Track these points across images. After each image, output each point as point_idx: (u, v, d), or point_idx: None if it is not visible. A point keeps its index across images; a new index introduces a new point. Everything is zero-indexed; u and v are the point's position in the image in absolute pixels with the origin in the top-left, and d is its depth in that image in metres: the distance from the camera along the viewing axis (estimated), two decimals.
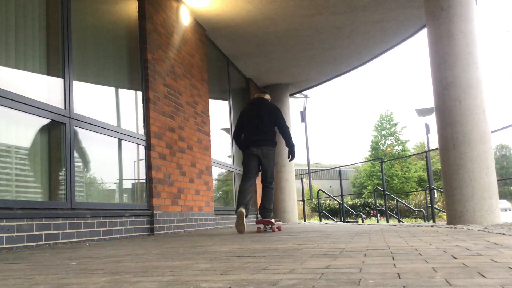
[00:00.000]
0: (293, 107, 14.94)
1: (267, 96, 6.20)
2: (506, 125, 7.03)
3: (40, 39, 4.39)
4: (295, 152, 6.09)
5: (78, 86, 4.72)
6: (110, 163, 5.41)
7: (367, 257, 2.16)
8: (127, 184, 5.86)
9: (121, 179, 5.66)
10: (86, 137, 4.79)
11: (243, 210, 5.38)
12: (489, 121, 5.86)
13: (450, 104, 5.85)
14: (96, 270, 2.07)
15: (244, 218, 5.37)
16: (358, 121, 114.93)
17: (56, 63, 4.50)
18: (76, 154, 4.52)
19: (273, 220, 5.81)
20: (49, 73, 4.51)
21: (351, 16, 8.18)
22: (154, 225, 5.69)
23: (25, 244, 3.63)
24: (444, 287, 1.29)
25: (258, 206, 6.09)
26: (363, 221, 15.26)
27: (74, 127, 4.51)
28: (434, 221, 10.27)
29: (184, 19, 7.30)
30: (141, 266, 2.15)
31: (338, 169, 13.62)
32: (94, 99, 5.21)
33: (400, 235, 3.82)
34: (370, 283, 1.39)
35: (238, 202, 5.58)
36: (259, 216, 5.88)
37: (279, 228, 5.99)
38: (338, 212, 19.83)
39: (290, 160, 6.16)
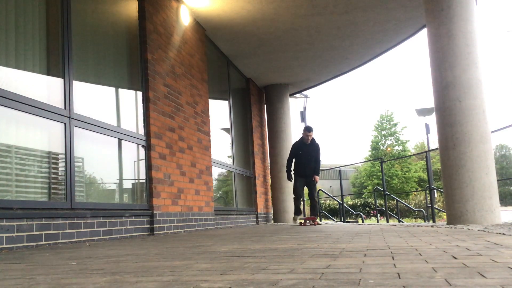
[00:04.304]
0: (293, 107, 14.91)
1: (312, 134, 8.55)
2: (506, 125, 7.03)
3: (40, 39, 4.39)
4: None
5: (78, 86, 4.72)
6: (110, 163, 5.41)
7: (367, 257, 2.16)
8: (127, 184, 5.86)
9: (121, 179, 5.66)
10: (86, 137, 4.79)
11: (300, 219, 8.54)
12: (489, 121, 5.85)
13: (450, 104, 5.85)
14: (96, 270, 2.07)
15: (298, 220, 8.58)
16: (358, 121, 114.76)
17: (56, 63, 4.50)
18: (76, 154, 4.52)
19: (314, 217, 8.45)
20: (49, 73, 4.51)
21: (351, 16, 8.18)
22: (154, 225, 5.69)
23: (25, 244, 3.63)
24: (444, 287, 1.29)
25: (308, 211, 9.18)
26: (363, 221, 15.25)
27: (74, 127, 4.51)
28: (434, 221, 10.27)
29: (184, 19, 7.30)
30: (141, 266, 2.15)
31: (338, 169, 13.61)
32: (94, 99, 5.21)
33: (400, 235, 3.82)
34: (370, 283, 1.39)
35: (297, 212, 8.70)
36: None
37: (318, 223, 8.50)
38: (338, 212, 19.83)
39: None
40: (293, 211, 8.82)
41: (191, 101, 7.34)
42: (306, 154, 8.51)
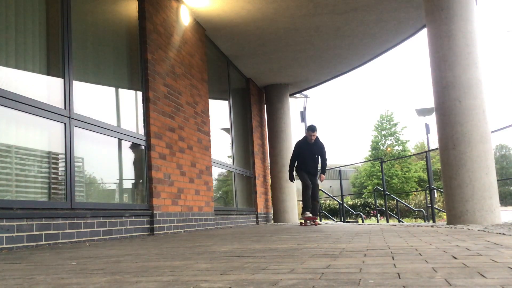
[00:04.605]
0: (293, 107, 14.91)
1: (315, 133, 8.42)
2: (506, 125, 7.04)
3: (40, 39, 4.39)
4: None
5: (78, 86, 4.72)
6: (110, 163, 5.41)
7: (367, 257, 2.16)
8: (127, 184, 5.86)
9: (121, 179, 5.66)
10: (86, 137, 4.79)
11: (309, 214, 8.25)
12: (489, 121, 5.86)
13: (450, 104, 5.85)
14: (96, 270, 2.07)
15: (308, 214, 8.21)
16: (358, 121, 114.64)
17: (56, 63, 4.50)
18: (76, 154, 4.52)
19: (315, 217, 8.35)
20: (49, 73, 4.51)
21: (351, 16, 8.18)
22: (154, 225, 5.69)
23: (25, 244, 3.63)
24: (444, 287, 1.29)
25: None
26: (363, 221, 15.26)
27: (74, 127, 4.51)
28: (434, 221, 10.27)
29: (184, 19, 7.30)
30: (141, 266, 2.15)
31: (338, 169, 13.61)
32: (94, 99, 5.21)
33: (400, 235, 3.82)
34: (370, 283, 1.39)
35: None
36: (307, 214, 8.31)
37: (318, 223, 8.54)
38: (338, 212, 19.82)
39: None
40: (292, 211, 8.61)
41: (191, 101, 7.34)
42: (310, 153, 8.32)
